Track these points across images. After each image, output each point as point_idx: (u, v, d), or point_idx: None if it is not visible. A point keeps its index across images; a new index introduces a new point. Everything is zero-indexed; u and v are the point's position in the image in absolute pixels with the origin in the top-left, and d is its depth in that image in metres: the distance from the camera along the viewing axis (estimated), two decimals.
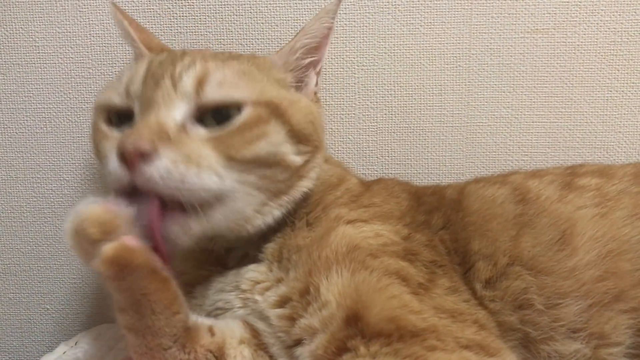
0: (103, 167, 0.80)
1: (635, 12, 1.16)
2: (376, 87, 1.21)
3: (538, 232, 0.85)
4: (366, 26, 1.20)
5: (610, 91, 1.19)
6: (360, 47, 1.20)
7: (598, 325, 0.79)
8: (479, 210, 0.89)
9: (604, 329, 0.79)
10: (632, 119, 1.20)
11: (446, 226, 0.91)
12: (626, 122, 1.20)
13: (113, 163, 0.75)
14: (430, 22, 1.19)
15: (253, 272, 0.88)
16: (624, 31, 1.17)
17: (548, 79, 1.19)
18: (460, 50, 1.19)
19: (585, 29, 1.17)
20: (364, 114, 1.23)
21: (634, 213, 0.84)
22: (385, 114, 1.22)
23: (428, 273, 0.83)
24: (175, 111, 0.79)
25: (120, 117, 0.84)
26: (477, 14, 1.18)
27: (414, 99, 1.21)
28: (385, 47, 1.20)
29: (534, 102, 1.20)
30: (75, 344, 1.09)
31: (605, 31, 1.17)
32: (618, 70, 1.18)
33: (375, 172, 1.24)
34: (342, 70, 1.21)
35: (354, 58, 1.20)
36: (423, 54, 1.20)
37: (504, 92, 1.20)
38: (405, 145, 1.23)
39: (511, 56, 1.19)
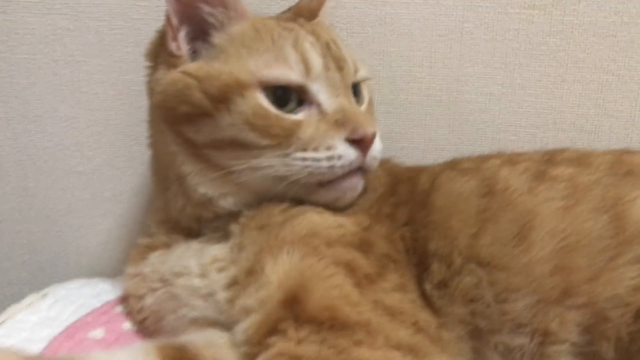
0: (277, 149, 0.83)
1: None
2: (363, 55, 1.16)
3: (499, 228, 0.82)
4: None
5: (607, 74, 1.15)
6: (348, 13, 1.17)
7: (542, 322, 0.77)
8: (443, 207, 0.87)
9: (549, 326, 0.77)
10: (627, 104, 1.16)
11: (409, 223, 0.89)
12: (620, 106, 1.16)
13: (342, 148, 0.83)
14: None
15: (216, 250, 0.88)
16: (626, 12, 1.12)
17: (542, 57, 1.15)
18: (453, 22, 1.16)
19: (585, 7, 1.13)
20: None
21: (600, 206, 0.80)
22: (371, 85, 1.16)
23: (379, 266, 0.82)
24: (351, 93, 0.90)
25: (277, 94, 0.84)
26: None
27: (402, 69, 1.19)
28: (374, 15, 1.16)
29: (525, 80, 1.17)
30: (44, 296, 1.07)
31: (607, 11, 1.13)
32: (616, 53, 1.14)
33: None
34: None
35: (340, 24, 1.17)
36: (413, 24, 1.17)
37: (495, 68, 1.17)
38: (390, 117, 1.21)
39: (505, 31, 1.15)
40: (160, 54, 0.91)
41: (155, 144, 0.97)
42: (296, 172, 0.83)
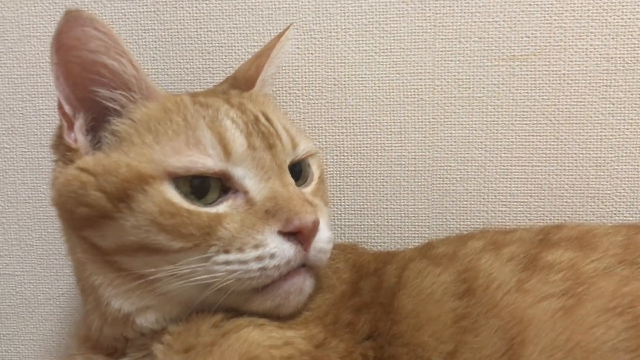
0: (195, 252, 0.69)
1: (632, 35, 0.97)
2: (324, 123, 1.05)
3: (481, 344, 0.66)
4: (311, 52, 1.04)
5: (605, 129, 1.00)
6: (304, 76, 1.05)
7: None
8: (411, 313, 0.72)
9: None
10: (632, 162, 1.00)
11: (372, 336, 0.74)
12: (625, 166, 1.00)
13: (275, 244, 0.69)
14: (386, 48, 1.02)
15: None
16: (620, 57, 0.98)
17: (529, 114, 1.01)
18: (422, 80, 1.02)
19: (572, 54, 0.99)
20: None
21: (613, 305, 0.63)
22: (335, 156, 1.06)
23: None
24: (288, 173, 0.76)
25: (194, 183, 0.70)
26: (442, 38, 1.01)
27: (369, 137, 1.05)
28: (332, 78, 1.04)
29: (511, 142, 1.02)
30: None
31: (597, 57, 0.98)
32: (613, 105, 0.99)
33: None
34: (284, 102, 1.05)
35: (293, 90, 1.05)
36: (378, 86, 1.03)
37: (475, 129, 1.02)
38: (358, 192, 1.06)
39: (483, 87, 1.01)
40: (59, 147, 0.78)
41: (69, 251, 0.83)
42: (221, 278, 0.68)
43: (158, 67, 1.06)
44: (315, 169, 0.84)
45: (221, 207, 0.70)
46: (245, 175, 0.72)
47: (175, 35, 1.05)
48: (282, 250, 0.69)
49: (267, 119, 0.78)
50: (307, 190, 0.81)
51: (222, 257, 0.68)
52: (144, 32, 1.06)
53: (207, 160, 0.70)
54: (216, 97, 0.79)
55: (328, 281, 0.79)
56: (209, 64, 1.06)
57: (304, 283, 0.73)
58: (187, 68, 1.06)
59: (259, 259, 0.68)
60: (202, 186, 0.70)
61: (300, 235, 0.70)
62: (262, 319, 0.73)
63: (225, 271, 0.68)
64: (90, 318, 0.79)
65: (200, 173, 0.70)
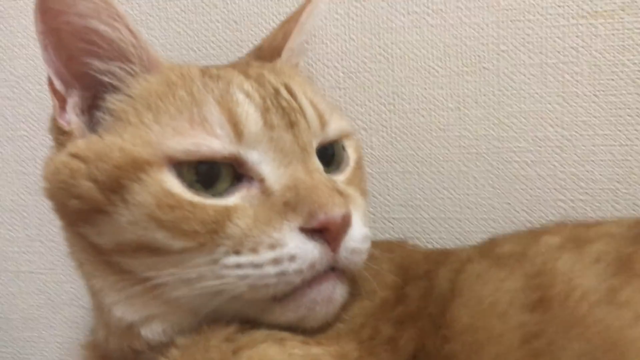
0: (200, 253, 0.60)
1: None
2: (367, 99, 0.95)
3: None
4: (351, 16, 0.93)
5: None
6: (343, 44, 0.95)
7: None
8: (468, 330, 0.60)
9: None
10: None
11: (417, 356, 0.63)
12: None
13: (295, 243, 0.59)
14: (440, 9, 0.91)
15: None
16: None
17: (615, 82, 0.87)
18: (484, 45, 0.90)
19: None
20: None
21: None
22: (382, 137, 0.95)
23: None
24: (315, 157, 0.67)
25: (201, 170, 0.62)
26: None
27: (421, 114, 0.94)
28: (377, 46, 0.94)
29: (594, 116, 0.88)
30: None
31: None
32: None
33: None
34: (321, 75, 0.95)
35: (331, 62, 0.95)
36: (431, 54, 0.92)
37: (549, 102, 0.89)
38: (409, 179, 0.96)
39: (559, 52, 0.88)
40: (52, 130, 0.71)
41: (69, 250, 0.76)
42: (232, 285, 0.60)
43: (181, 41, 0.98)
44: (351, 153, 0.74)
45: (232, 199, 0.62)
46: (261, 160, 0.63)
47: (199, 3, 0.97)
48: (304, 251, 0.59)
49: (290, 92, 0.68)
50: (340, 178, 0.71)
51: (233, 260, 0.59)
52: (165, 2, 0.97)
53: (213, 142, 0.61)
54: (232, 69, 0.70)
55: (367, 285, 0.68)
56: (237, 36, 0.97)
57: (334, 290, 0.63)
58: (212, 41, 0.97)
59: (276, 262, 0.59)
60: (210, 173, 0.62)
61: (326, 233, 0.60)
62: (283, 332, 0.63)
63: (236, 276, 0.60)
64: (97, 326, 0.74)
65: (205, 158, 0.61)
